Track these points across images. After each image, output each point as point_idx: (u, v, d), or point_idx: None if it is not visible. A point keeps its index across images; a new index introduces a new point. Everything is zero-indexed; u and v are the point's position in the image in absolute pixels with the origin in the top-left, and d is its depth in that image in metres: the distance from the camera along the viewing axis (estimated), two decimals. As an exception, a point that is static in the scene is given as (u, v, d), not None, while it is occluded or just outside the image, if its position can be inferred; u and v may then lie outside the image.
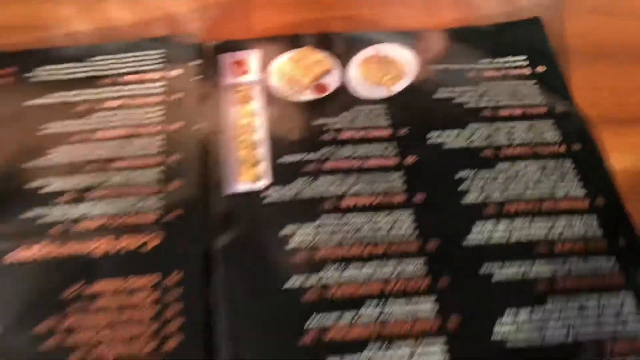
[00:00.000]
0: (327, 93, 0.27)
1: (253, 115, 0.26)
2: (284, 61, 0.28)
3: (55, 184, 0.24)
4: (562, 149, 0.25)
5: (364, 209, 0.23)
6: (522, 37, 0.29)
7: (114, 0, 0.31)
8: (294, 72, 0.27)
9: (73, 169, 0.25)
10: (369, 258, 0.22)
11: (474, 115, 0.26)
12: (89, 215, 0.23)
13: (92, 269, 0.22)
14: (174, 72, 0.27)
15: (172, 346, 0.21)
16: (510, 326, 0.21)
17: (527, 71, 0.28)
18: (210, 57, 0.28)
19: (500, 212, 0.23)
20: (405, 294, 0.22)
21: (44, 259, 0.22)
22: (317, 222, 0.23)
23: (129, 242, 0.23)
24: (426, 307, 0.21)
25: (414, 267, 0.22)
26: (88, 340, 0.21)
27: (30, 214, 0.23)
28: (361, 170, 0.24)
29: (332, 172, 0.24)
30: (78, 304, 0.21)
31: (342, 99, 0.27)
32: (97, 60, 0.28)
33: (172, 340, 0.21)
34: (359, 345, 0.21)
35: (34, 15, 0.31)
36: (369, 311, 0.21)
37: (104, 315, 0.21)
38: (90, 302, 0.22)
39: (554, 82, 0.27)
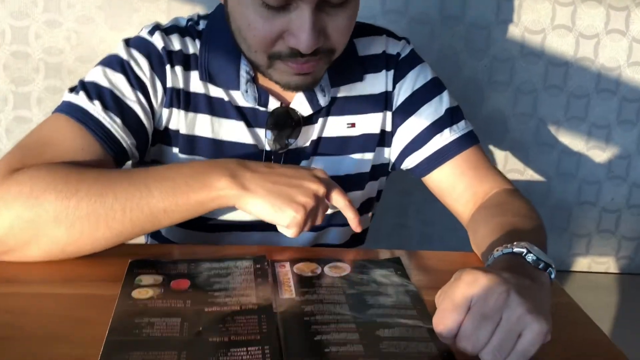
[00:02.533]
0: (315, 274, 0.72)
1: (289, 278, 0.71)
2: (300, 264, 0.74)
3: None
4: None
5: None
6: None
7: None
8: (303, 267, 0.73)
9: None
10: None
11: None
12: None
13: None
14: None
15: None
16: None
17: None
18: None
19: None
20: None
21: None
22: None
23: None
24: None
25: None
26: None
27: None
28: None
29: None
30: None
31: (320, 275, 0.72)
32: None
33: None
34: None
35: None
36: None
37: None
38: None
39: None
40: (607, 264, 1.74)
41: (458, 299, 0.55)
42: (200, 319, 0.62)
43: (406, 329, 0.63)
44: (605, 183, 1.65)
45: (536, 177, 1.63)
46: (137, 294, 0.66)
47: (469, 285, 0.55)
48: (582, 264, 1.73)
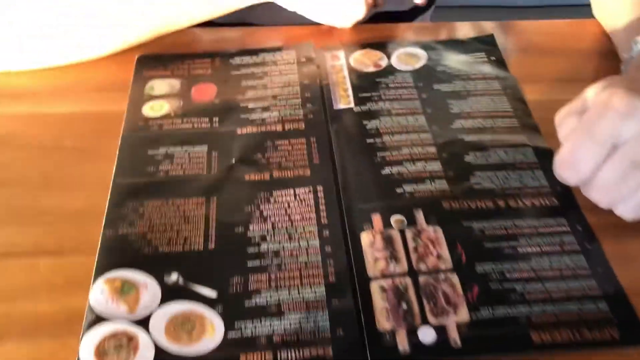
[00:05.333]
0: (380, 69, 0.54)
1: (344, 76, 0.53)
2: (358, 54, 0.55)
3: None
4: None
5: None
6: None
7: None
8: (363, 59, 0.55)
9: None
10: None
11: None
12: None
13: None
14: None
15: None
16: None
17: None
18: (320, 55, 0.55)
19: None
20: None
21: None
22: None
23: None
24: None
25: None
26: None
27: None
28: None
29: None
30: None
31: (387, 70, 0.54)
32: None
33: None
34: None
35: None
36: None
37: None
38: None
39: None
40: None
41: (601, 134, 0.37)
42: (232, 145, 0.48)
43: (504, 150, 0.47)
44: None
45: None
46: (149, 110, 0.51)
47: (620, 116, 0.36)
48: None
